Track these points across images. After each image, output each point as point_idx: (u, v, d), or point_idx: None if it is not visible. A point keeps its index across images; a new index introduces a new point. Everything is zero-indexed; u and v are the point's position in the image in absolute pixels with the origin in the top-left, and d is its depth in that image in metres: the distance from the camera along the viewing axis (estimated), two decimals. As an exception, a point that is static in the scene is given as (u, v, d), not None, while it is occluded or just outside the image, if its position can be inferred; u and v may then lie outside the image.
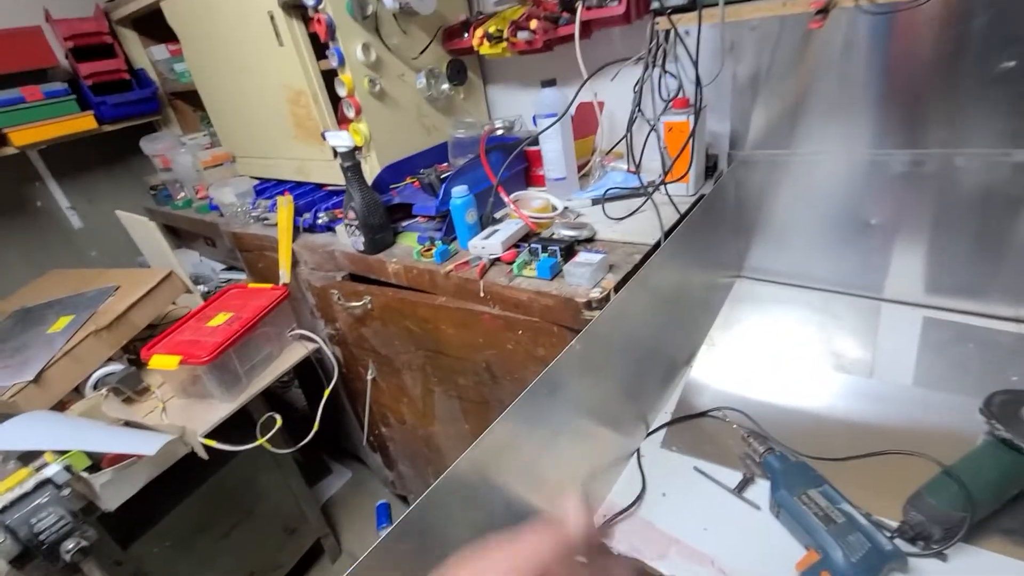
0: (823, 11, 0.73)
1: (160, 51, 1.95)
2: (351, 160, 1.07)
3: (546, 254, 0.92)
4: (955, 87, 0.92)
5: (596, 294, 0.82)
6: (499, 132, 1.33)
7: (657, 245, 0.94)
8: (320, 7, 1.12)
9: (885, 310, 1.12)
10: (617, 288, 0.87)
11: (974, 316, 1.05)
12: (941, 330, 1.04)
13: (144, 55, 1.97)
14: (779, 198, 1.19)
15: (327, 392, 1.31)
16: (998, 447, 0.70)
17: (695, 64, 0.98)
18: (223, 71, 1.54)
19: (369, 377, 1.32)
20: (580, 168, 1.27)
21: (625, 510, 0.79)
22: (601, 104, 1.32)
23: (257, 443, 1.13)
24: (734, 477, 0.81)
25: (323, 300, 1.29)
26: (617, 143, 1.31)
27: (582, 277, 0.84)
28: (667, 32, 1.03)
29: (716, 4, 0.83)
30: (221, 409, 1.12)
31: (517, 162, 1.27)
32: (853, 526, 0.67)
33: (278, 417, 1.20)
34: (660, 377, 1.00)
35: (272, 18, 1.24)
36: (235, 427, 1.16)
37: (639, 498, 0.81)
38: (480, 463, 0.61)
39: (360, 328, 1.26)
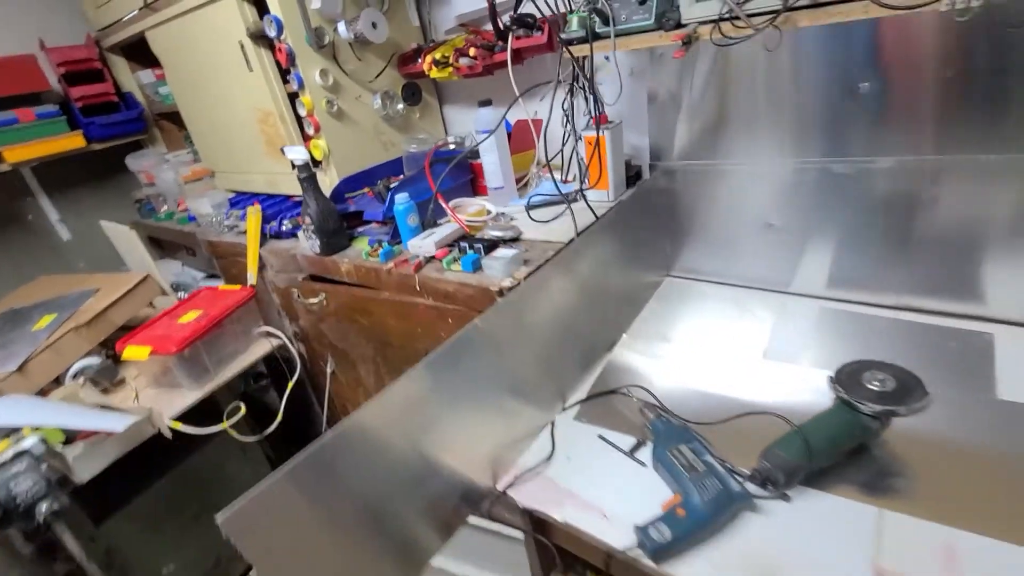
0: (687, 43, 0.87)
1: (147, 75, 2.10)
2: (307, 172, 1.20)
3: (471, 251, 1.04)
4: (829, 105, 1.06)
5: (507, 283, 0.95)
6: (451, 147, 1.47)
7: (571, 243, 1.07)
8: (282, 37, 1.26)
9: (789, 302, 1.25)
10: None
11: (862, 305, 1.18)
12: (833, 318, 1.17)
13: (132, 79, 2.12)
14: (704, 204, 1.32)
15: (291, 384, 1.42)
16: (842, 408, 0.82)
17: (592, 88, 1.13)
18: (202, 93, 1.69)
19: (329, 370, 1.44)
20: (520, 179, 1.41)
21: (531, 469, 0.91)
22: (539, 122, 1.47)
23: (221, 427, 1.24)
24: (630, 442, 0.93)
25: (286, 299, 1.41)
26: (554, 156, 1.45)
27: (496, 269, 0.97)
28: (582, 59, 1.18)
29: (608, 37, 0.98)
30: (190, 397, 1.23)
31: (463, 173, 1.41)
32: (711, 473, 0.79)
33: (242, 405, 1.31)
34: (579, 360, 1.13)
35: (242, 47, 1.38)
36: (205, 415, 1.27)
37: (547, 460, 0.93)
38: (383, 418, 0.72)
39: (319, 324, 1.38)
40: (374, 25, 1.34)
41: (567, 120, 1.25)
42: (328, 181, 1.41)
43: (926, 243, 1.07)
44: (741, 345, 1.14)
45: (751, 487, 0.80)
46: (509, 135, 1.40)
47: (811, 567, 0.69)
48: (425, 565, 0.81)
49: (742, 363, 1.08)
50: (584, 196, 1.15)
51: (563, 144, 1.32)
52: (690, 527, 0.73)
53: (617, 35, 0.97)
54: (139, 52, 1.95)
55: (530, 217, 1.17)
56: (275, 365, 1.51)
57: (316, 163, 1.45)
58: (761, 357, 1.09)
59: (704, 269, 1.40)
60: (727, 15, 0.84)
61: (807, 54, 1.04)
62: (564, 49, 1.02)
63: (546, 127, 1.21)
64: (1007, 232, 0.99)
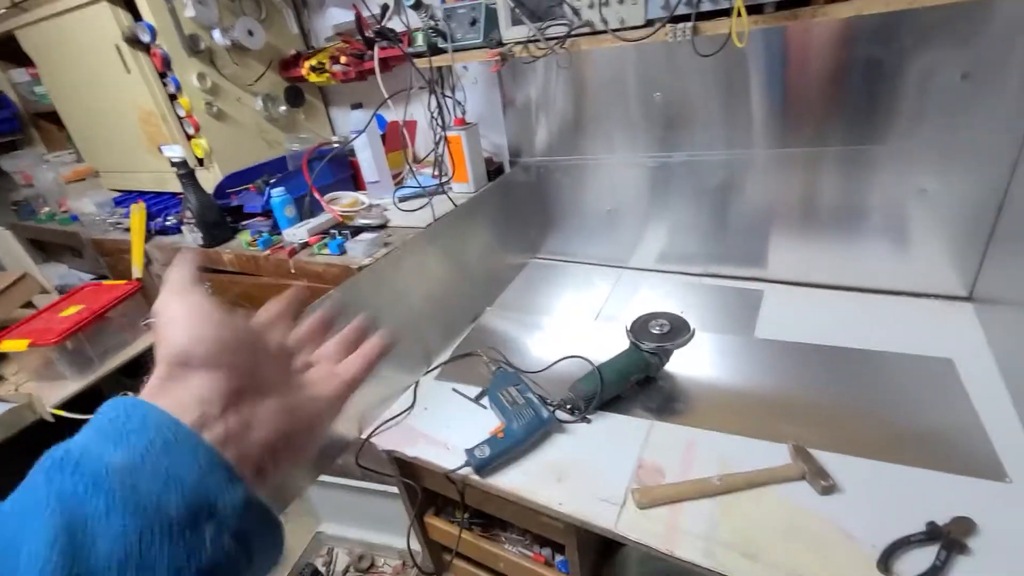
0: (503, 59, 1.07)
1: (20, 74, 2.04)
2: (185, 168, 1.28)
3: (340, 236, 1.19)
4: (639, 110, 1.30)
5: (366, 261, 1.10)
6: (335, 145, 1.59)
7: (428, 228, 1.24)
8: (156, 43, 1.33)
9: (625, 275, 1.50)
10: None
11: (679, 275, 1.44)
12: (655, 284, 1.42)
13: (3, 78, 2.05)
14: (561, 195, 1.53)
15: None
16: (631, 349, 1.05)
17: (444, 94, 1.30)
18: (80, 93, 1.69)
19: (221, 357, 1.51)
20: (397, 174, 1.56)
21: (392, 419, 1.07)
22: (413, 123, 1.63)
23: (108, 414, 1.29)
24: (476, 391, 1.11)
25: (174, 291, 1.48)
26: (429, 153, 1.61)
27: (358, 250, 1.12)
28: (439, 68, 1.35)
29: (446, 52, 1.15)
30: (72, 387, 1.28)
31: (343, 169, 1.54)
32: (529, 405, 0.98)
33: (131, 393, 1.36)
34: (444, 329, 1.30)
35: (119, 50, 1.43)
36: (95, 405, 1.31)
37: (406, 411, 1.09)
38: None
39: (208, 313, 1.45)
40: (250, 33, 1.44)
41: (434, 121, 1.42)
42: (212, 178, 1.49)
43: (731, 223, 1.33)
44: (580, 311, 1.36)
45: (561, 414, 1.00)
46: (385, 135, 1.55)
47: (593, 464, 0.90)
48: (293, 501, 0.95)
49: (577, 325, 1.30)
50: (445, 189, 1.32)
51: (435, 143, 1.49)
52: (507, 445, 0.92)
53: (455, 50, 1.15)
54: (12, 50, 1.90)
55: (397, 207, 1.33)
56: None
57: (199, 161, 1.52)
58: (593, 319, 1.32)
59: (564, 251, 1.63)
60: (532, 38, 1.04)
61: (623, 69, 1.26)
62: (410, 60, 1.18)
63: (435, 128, 1.36)
64: (786, 210, 1.25)
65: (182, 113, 1.41)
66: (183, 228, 1.43)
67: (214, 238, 1.34)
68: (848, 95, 1.06)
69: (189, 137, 1.50)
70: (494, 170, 1.53)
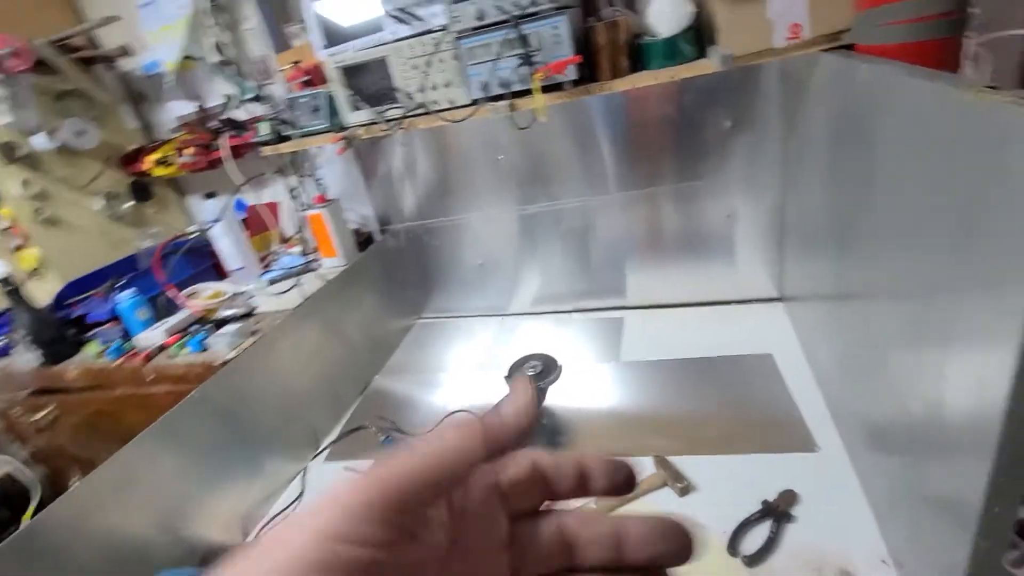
0: (348, 141, 1.13)
1: None
2: (9, 285, 1.17)
3: (201, 332, 1.14)
4: (489, 170, 1.41)
5: (231, 354, 1.07)
6: (192, 236, 1.53)
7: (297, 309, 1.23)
8: (-37, 154, 1.23)
9: (506, 322, 1.58)
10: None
11: (554, 314, 1.55)
12: (532, 327, 1.51)
13: None
14: (436, 255, 1.59)
15: (28, 514, 1.29)
16: (511, 393, 1.11)
17: (302, 176, 1.34)
18: None
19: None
20: (264, 257, 1.53)
21: (279, 514, 1.02)
22: (275, 204, 1.62)
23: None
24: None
25: (9, 421, 1.30)
26: (295, 234, 1.61)
27: (221, 344, 1.09)
28: (293, 153, 1.39)
29: (291, 138, 1.20)
30: None
31: (203, 260, 1.48)
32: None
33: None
34: (331, 406, 1.27)
35: (-83, 163, 1.29)
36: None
37: (294, 503, 1.05)
38: (93, 500, 0.78)
39: (57, 439, 1.30)
40: (81, 133, 1.38)
41: (293, 202, 1.43)
42: (49, 289, 1.36)
43: (592, 260, 1.46)
44: (466, 363, 1.41)
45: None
46: (246, 219, 1.53)
47: (484, 515, 0.92)
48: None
49: (464, 377, 1.35)
50: (312, 266, 1.33)
51: (298, 222, 1.50)
52: (398, 516, 0.92)
53: (301, 136, 1.19)
54: None
55: (263, 293, 1.31)
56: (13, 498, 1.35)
57: (33, 272, 1.39)
58: (478, 369, 1.37)
59: (446, 308, 1.68)
60: (373, 121, 1.12)
61: (469, 138, 1.38)
62: (256, 150, 1.20)
63: (297, 209, 1.36)
64: (636, 244, 1.41)
65: (4, 225, 1.29)
66: (12, 351, 1.28)
67: (54, 355, 1.22)
68: (670, 142, 1.25)
69: (18, 248, 1.37)
70: (364, 240, 1.56)
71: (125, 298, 1.18)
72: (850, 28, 0.82)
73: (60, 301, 1.31)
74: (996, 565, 0.51)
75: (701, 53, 0.95)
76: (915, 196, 0.56)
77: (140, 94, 1.59)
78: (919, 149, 0.54)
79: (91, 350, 1.23)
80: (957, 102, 0.45)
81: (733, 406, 1.03)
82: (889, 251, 0.66)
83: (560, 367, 1.10)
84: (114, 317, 1.24)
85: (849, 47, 0.82)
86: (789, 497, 0.80)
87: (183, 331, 1.20)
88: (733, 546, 0.75)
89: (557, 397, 1.14)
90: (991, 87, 0.43)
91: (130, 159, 1.54)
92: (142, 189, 1.58)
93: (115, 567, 0.79)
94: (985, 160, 0.43)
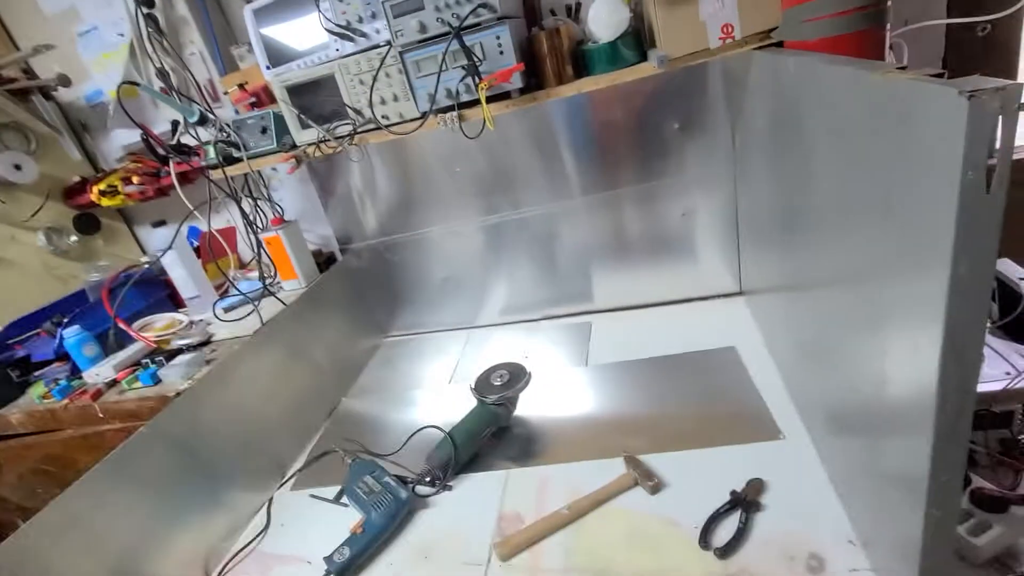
0: (298, 160, 1.12)
1: None
2: (-58, 329, 1.10)
3: (153, 365, 1.09)
4: (447, 182, 1.41)
5: (184, 385, 1.03)
6: (143, 267, 1.48)
7: (256, 334, 1.19)
8: None
9: (474, 334, 1.56)
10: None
11: (522, 323, 1.54)
12: (502, 337, 1.50)
13: None
14: (400, 272, 1.57)
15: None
16: (478, 405, 1.09)
17: (254, 198, 1.31)
18: None
19: (27, 538, 1.26)
20: (220, 284, 1.49)
21: (243, 548, 0.98)
22: (232, 228, 1.59)
23: None
24: (335, 492, 1.06)
25: (-52, 476, 1.22)
26: (252, 258, 1.57)
27: (174, 375, 1.04)
28: (245, 175, 1.36)
29: (242, 160, 1.17)
30: None
31: (157, 290, 1.43)
32: (386, 490, 0.96)
33: None
34: (296, 433, 1.23)
35: None
36: None
37: (260, 535, 1.00)
38: (32, 549, 0.73)
39: (0, 490, 1.22)
40: (17, 167, 1.32)
41: (248, 226, 1.39)
42: (-12, 331, 1.29)
43: (559, 267, 1.46)
44: (435, 378, 1.39)
45: (422, 488, 1.00)
46: (199, 247, 1.48)
47: (457, 531, 0.90)
48: None
49: (434, 393, 1.32)
50: (271, 290, 1.29)
51: (254, 246, 1.46)
52: (367, 540, 0.89)
53: (249, 158, 1.17)
54: None
55: (219, 319, 1.27)
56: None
57: (-30, 315, 1.31)
58: (447, 383, 1.35)
59: (414, 324, 1.66)
60: (323, 139, 1.10)
61: (429, 150, 1.37)
62: (204, 174, 1.18)
63: (252, 234, 1.32)
64: (601, 248, 1.41)
65: (-65, 266, 1.23)
66: (-49, 397, 1.20)
67: (-5, 400, 1.15)
68: (626, 146, 1.27)
69: (-50, 290, 1.29)
70: (325, 260, 1.53)
71: (71, 334, 1.13)
72: (778, 27, 0.85)
73: (1, 342, 1.24)
74: (950, 534, 0.52)
75: (641, 58, 0.97)
76: (843, 181, 0.58)
77: (83, 124, 1.54)
78: (840, 133, 0.56)
79: (36, 391, 1.17)
80: (868, 83, 0.47)
81: (700, 401, 1.04)
82: (828, 238, 0.68)
83: (529, 374, 1.09)
84: (61, 356, 1.18)
85: (779, 44, 0.85)
86: (757, 486, 0.81)
87: (134, 365, 1.15)
88: (704, 539, 0.75)
89: (529, 405, 1.13)
90: (900, 68, 0.45)
91: (74, 191, 1.48)
92: (88, 221, 1.52)
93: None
94: (894, 137, 0.44)
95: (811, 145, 0.66)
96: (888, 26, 0.77)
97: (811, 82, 0.64)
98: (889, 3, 0.75)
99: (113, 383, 1.11)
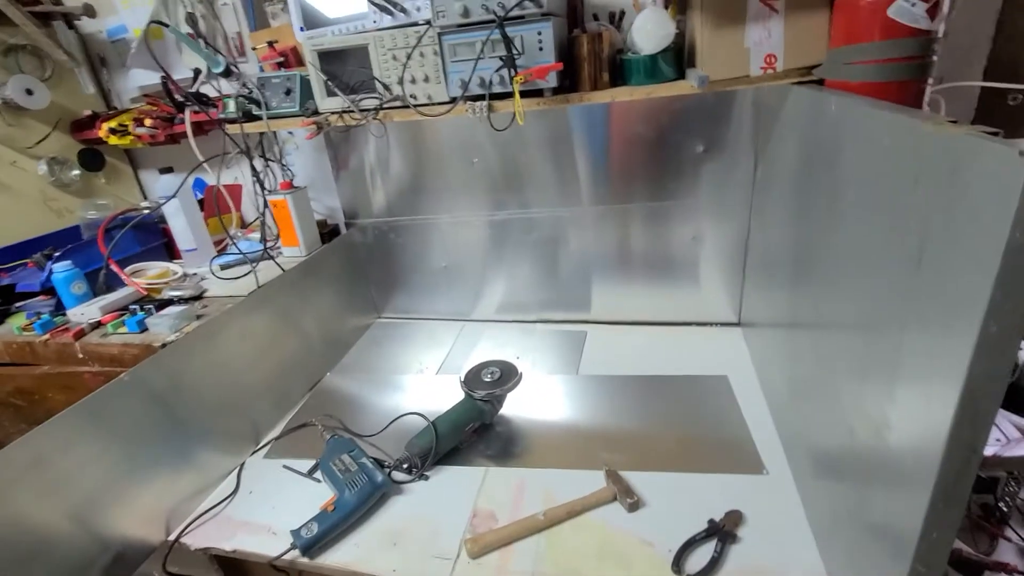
0: (319, 128, 1.10)
1: None
2: (-72, 245, 1.07)
3: (141, 312, 1.07)
4: (463, 173, 1.39)
5: (172, 338, 1.00)
6: (145, 211, 1.45)
7: (250, 296, 1.17)
8: None
9: (468, 327, 1.55)
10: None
11: (516, 323, 1.53)
12: (494, 334, 1.49)
13: None
14: (401, 254, 1.55)
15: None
16: (465, 399, 1.08)
17: (266, 159, 1.29)
18: None
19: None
20: (220, 241, 1.46)
21: (208, 511, 0.95)
22: (239, 186, 1.56)
23: None
24: (310, 465, 1.05)
25: (-88, 395, 1.18)
26: (256, 219, 1.54)
27: (163, 326, 1.02)
28: (261, 134, 1.33)
29: (261, 119, 1.15)
30: None
31: (153, 238, 1.40)
32: (362, 471, 0.95)
33: None
34: (275, 402, 1.21)
35: None
36: None
37: (227, 499, 0.99)
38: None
39: (-35, 418, 1.19)
40: (29, 92, 1.29)
41: (256, 185, 1.37)
42: (-26, 254, 1.26)
43: (560, 272, 1.45)
44: (424, 366, 1.37)
45: (398, 475, 0.99)
46: (203, 200, 1.46)
47: (429, 521, 0.89)
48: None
49: (420, 381, 1.31)
50: (271, 254, 1.27)
51: (263, 207, 1.43)
52: (337, 518, 0.88)
53: (269, 118, 1.15)
54: None
55: (215, 276, 1.24)
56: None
57: (-42, 235, 1.28)
58: (435, 374, 1.34)
59: (407, 309, 1.64)
60: (347, 109, 1.08)
61: (449, 136, 1.36)
62: (221, 127, 1.15)
63: (259, 193, 1.30)
64: (604, 259, 1.40)
65: (-71, 180, 1.19)
66: (-73, 316, 1.17)
67: (-28, 325, 1.12)
68: (644, 161, 1.26)
69: (-59, 207, 1.26)
70: (328, 232, 1.51)
71: (61, 268, 1.10)
72: (821, 64, 0.85)
73: (-15, 268, 1.21)
74: (930, 592, 0.52)
75: (679, 75, 0.97)
76: (874, 227, 0.58)
77: (101, 58, 1.51)
78: (880, 179, 0.56)
79: (16, 322, 1.14)
80: (918, 133, 0.46)
81: (687, 425, 1.03)
82: (844, 280, 0.67)
83: (520, 374, 1.08)
84: (47, 289, 1.15)
85: (819, 82, 0.85)
86: (735, 517, 0.80)
87: (122, 310, 1.12)
88: (678, 564, 0.74)
89: (514, 406, 1.12)
90: (951, 121, 0.44)
91: (83, 125, 1.45)
92: (93, 157, 1.48)
93: (12, 559, 0.72)
94: (938, 189, 0.44)
95: (842, 186, 0.66)
96: (930, 80, 0.77)
97: (852, 124, 0.63)
98: (935, 58, 0.75)
99: (97, 325, 1.09)
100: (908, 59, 0.73)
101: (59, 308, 1.16)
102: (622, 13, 1.09)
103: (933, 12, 0.72)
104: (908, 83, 0.75)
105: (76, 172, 1.43)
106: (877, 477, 0.58)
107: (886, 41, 0.73)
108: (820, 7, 0.82)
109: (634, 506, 0.84)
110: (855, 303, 0.64)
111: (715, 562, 0.74)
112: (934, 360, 0.45)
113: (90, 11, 1.37)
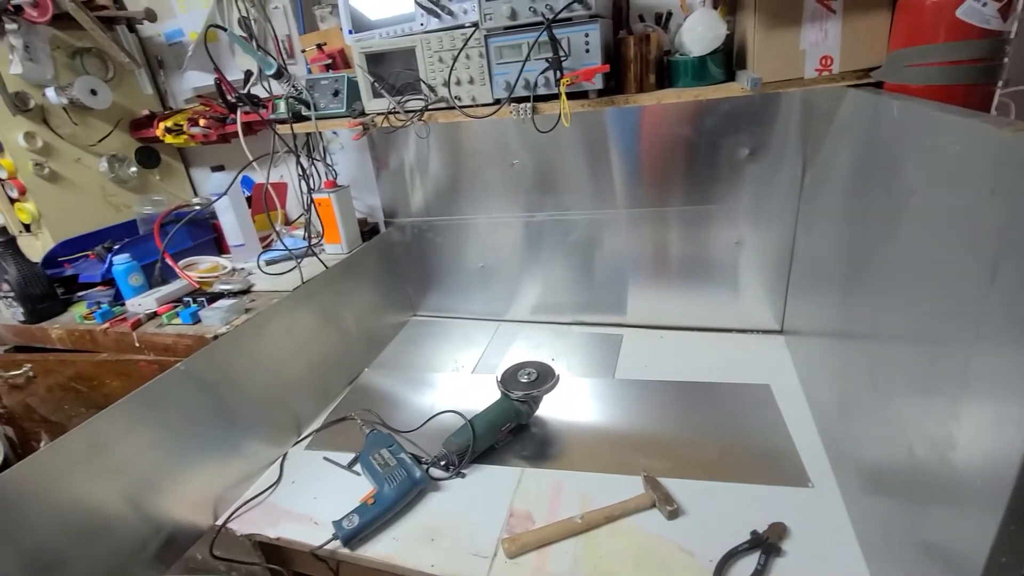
0: (365, 128, 1.12)
1: None
2: (4, 236, 1.14)
3: (194, 304, 1.11)
4: (501, 174, 1.40)
5: (223, 330, 1.04)
6: (196, 207, 1.51)
7: (295, 291, 1.20)
8: (-28, 99, 1.20)
9: (503, 327, 1.56)
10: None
11: (551, 324, 1.53)
12: (529, 335, 1.50)
13: None
14: (438, 254, 1.57)
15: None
16: (502, 399, 1.09)
17: (311, 158, 1.32)
18: None
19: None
20: (266, 237, 1.51)
21: (253, 498, 0.99)
22: (284, 184, 1.61)
23: None
24: (350, 458, 1.07)
25: (-17, 377, 1.26)
26: (300, 216, 1.59)
27: (214, 318, 1.06)
28: (308, 134, 1.37)
29: (310, 119, 1.18)
30: None
31: (204, 233, 1.46)
32: (401, 466, 0.97)
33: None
34: (317, 395, 1.24)
35: (-78, 104, 1.27)
36: None
37: (271, 488, 1.02)
38: (59, 465, 0.75)
39: (26, 399, 1.26)
40: (93, 92, 1.35)
41: (302, 184, 1.41)
42: (41, 245, 1.33)
43: (595, 275, 1.45)
44: (459, 365, 1.38)
45: (435, 471, 1.00)
46: (251, 197, 1.51)
47: (466, 519, 0.90)
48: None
49: (456, 379, 1.32)
50: (314, 251, 1.31)
51: (307, 205, 1.47)
52: (377, 512, 0.89)
53: (318, 119, 1.18)
54: None
55: (261, 271, 1.28)
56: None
57: (26, 227, 1.36)
58: (471, 373, 1.35)
59: (443, 307, 1.66)
60: (392, 110, 1.10)
61: (488, 138, 1.37)
62: (271, 127, 1.19)
63: (305, 191, 1.34)
64: (641, 262, 1.39)
65: (3, 175, 1.27)
66: (-2, 303, 1.25)
67: (38, 313, 1.18)
68: (685, 164, 1.24)
69: (13, 201, 1.34)
70: (368, 231, 1.54)
71: (120, 261, 1.16)
72: (879, 66, 0.82)
73: (52, 258, 1.28)
74: (995, 619, 0.49)
75: (728, 77, 0.95)
76: (941, 238, 0.55)
77: (159, 60, 1.58)
78: (950, 187, 0.53)
79: (78, 311, 1.20)
80: (994, 139, 0.44)
81: (727, 433, 1.02)
82: (907, 293, 0.65)
83: (557, 376, 1.08)
84: (106, 280, 1.21)
85: (877, 85, 0.82)
86: (779, 530, 0.78)
87: (176, 301, 1.17)
88: (720, 575, 0.73)
89: (549, 407, 1.12)
90: (1035, 128, 0.42)
91: (141, 124, 1.52)
92: (149, 155, 1.55)
93: (74, 537, 0.76)
94: (1016, 200, 0.42)
95: (904, 194, 0.64)
96: (1000, 83, 0.73)
97: (917, 129, 0.61)
98: (1006, 60, 0.71)
99: (153, 315, 1.14)
100: (977, 61, 0.70)
101: (117, 298, 1.22)
102: (669, 14, 1.08)
103: (1006, 12, 0.69)
104: (975, 87, 0.72)
105: (133, 169, 1.50)
106: (938, 496, 0.56)
107: (953, 42, 0.70)
108: (880, 8, 0.79)
109: (674, 513, 0.84)
110: (917, 316, 0.61)
111: (759, 574, 0.72)
112: (1008, 378, 0.43)
113: (151, 15, 1.44)
